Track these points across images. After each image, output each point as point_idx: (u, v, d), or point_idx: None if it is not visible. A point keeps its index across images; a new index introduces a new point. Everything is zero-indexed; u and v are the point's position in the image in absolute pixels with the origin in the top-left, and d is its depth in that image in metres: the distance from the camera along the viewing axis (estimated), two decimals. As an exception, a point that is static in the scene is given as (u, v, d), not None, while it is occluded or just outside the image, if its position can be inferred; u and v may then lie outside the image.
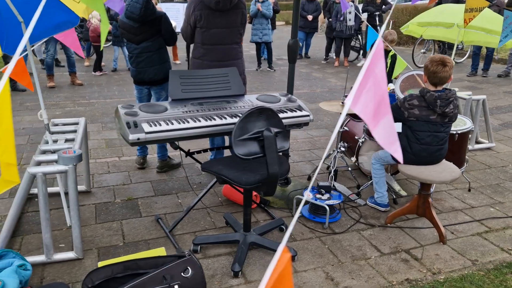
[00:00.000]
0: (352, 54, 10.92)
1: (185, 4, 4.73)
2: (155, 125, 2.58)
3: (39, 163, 2.68)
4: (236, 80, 3.16)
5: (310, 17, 10.25)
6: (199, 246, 2.82)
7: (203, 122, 2.69)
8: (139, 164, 4.14)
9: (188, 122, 2.67)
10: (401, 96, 3.82)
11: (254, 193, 3.37)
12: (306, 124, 3.02)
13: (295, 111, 3.01)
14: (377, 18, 9.87)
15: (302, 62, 10.73)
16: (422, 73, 3.83)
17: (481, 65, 9.21)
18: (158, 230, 3.10)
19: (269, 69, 9.58)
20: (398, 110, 3.03)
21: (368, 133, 3.64)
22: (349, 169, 3.86)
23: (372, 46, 5.29)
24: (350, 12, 9.46)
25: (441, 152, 3.02)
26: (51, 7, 3.01)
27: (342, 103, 3.49)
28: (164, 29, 3.71)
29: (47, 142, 2.96)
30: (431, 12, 4.66)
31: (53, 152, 2.85)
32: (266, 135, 2.42)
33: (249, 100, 3.07)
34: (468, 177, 4.07)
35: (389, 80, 5.25)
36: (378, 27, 9.88)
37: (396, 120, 3.11)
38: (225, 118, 2.77)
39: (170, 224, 3.17)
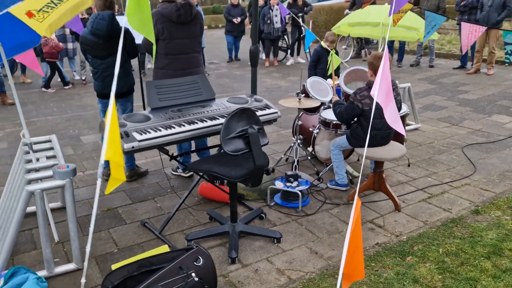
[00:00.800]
0: (280, 54, 11.51)
1: None
2: (145, 133, 2.77)
3: (29, 182, 2.74)
4: (206, 86, 3.42)
5: (237, 20, 10.66)
6: (192, 242, 3.05)
7: (188, 127, 2.93)
8: (129, 178, 4.20)
9: (174, 127, 2.89)
10: (344, 87, 4.32)
11: (227, 189, 3.65)
12: (275, 120, 3.38)
13: (264, 109, 3.35)
14: (300, 19, 10.53)
15: (234, 65, 11.11)
16: (361, 67, 4.38)
17: (395, 56, 10.25)
18: (147, 233, 3.27)
19: (204, 73, 9.83)
20: (352, 105, 3.47)
21: (323, 123, 4.07)
22: (309, 158, 4.29)
23: (309, 45, 5.80)
24: (276, 15, 10.02)
25: (390, 134, 3.53)
26: (12, 27, 3.04)
27: (299, 99, 3.89)
28: (129, 43, 3.85)
29: (29, 161, 3.00)
30: (359, 13, 5.26)
31: (38, 170, 2.91)
32: (251, 132, 2.73)
33: (221, 103, 3.35)
34: (406, 155, 4.70)
35: (329, 76, 5.79)
36: (302, 28, 10.56)
37: (353, 116, 3.54)
38: (206, 121, 3.03)
39: (157, 227, 3.35)
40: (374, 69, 3.41)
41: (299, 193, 3.51)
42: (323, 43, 6.05)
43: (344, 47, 10.83)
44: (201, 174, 3.20)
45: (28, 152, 3.15)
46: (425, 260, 2.82)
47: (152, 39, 2.32)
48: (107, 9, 3.72)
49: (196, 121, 3.02)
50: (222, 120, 3.08)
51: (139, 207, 3.68)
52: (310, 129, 4.38)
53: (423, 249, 2.93)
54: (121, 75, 3.91)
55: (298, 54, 11.19)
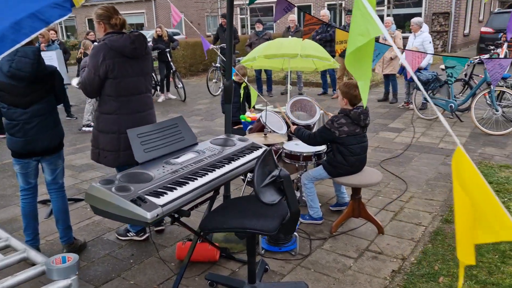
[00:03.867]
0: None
1: (57, 51, 3.89)
2: (162, 195, 2.17)
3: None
4: (186, 129, 2.92)
5: None
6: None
7: (204, 178, 2.42)
8: None
9: (188, 183, 2.35)
10: (290, 115, 4.25)
11: (207, 246, 3.16)
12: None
13: (256, 149, 3.02)
14: (168, 55, 10.20)
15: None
16: (304, 97, 4.39)
17: (264, 87, 10.75)
18: (143, 322, 2.55)
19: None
20: (328, 131, 3.43)
21: (289, 157, 3.89)
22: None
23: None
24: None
25: (366, 158, 3.59)
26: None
27: (265, 135, 3.66)
28: (58, 85, 3.05)
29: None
30: (272, 46, 5.32)
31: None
32: (283, 175, 2.41)
33: (210, 147, 2.90)
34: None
35: (244, 110, 5.67)
36: (171, 63, 10.24)
37: (326, 141, 3.50)
38: (216, 169, 2.56)
39: (151, 310, 2.65)
40: (350, 97, 3.43)
41: (297, 234, 3.25)
42: (233, 77, 5.94)
43: (214, 80, 10.89)
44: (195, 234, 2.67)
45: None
46: (458, 276, 2.88)
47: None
48: (112, 31, 3.04)
49: (200, 171, 2.53)
50: (234, 164, 2.65)
51: (109, 290, 2.88)
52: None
53: (444, 267, 3.00)
54: (50, 125, 3.08)
55: (168, 90, 10.77)
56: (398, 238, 3.50)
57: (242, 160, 2.76)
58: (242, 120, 5.04)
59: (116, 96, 3.08)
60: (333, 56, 7.02)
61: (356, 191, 3.58)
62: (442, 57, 3.74)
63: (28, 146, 3.00)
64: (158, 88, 10.68)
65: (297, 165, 3.96)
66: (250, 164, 2.79)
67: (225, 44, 10.32)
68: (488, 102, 7.17)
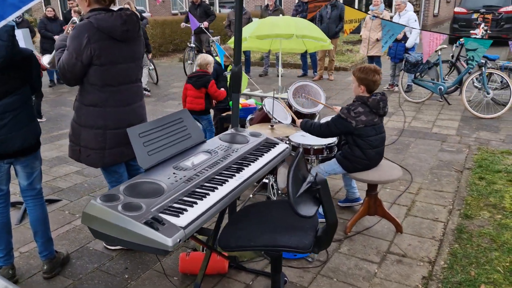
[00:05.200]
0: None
1: (23, 30, 3.26)
2: (181, 213, 1.74)
3: None
4: (192, 125, 2.47)
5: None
6: None
7: (226, 186, 2.00)
8: (49, 273, 2.76)
9: (209, 193, 1.92)
10: (294, 103, 3.86)
11: (215, 257, 2.76)
12: (286, 155, 2.67)
13: (272, 145, 2.61)
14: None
15: (62, 89, 9.26)
16: (308, 82, 4.00)
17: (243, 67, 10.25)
18: None
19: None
20: (344, 121, 3.07)
21: (294, 149, 3.51)
22: (283, 194, 3.67)
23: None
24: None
25: (383, 151, 3.26)
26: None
27: (271, 126, 3.25)
28: (35, 73, 2.51)
29: None
30: (265, 25, 4.86)
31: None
32: (320, 180, 2.03)
33: (222, 146, 2.47)
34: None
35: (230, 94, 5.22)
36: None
37: (341, 133, 3.15)
38: (235, 174, 2.14)
39: None
40: (367, 83, 3.07)
41: (315, 239, 2.90)
42: (217, 58, 5.46)
43: (189, 61, 10.27)
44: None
45: None
46: (500, 283, 2.63)
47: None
48: (98, 7, 2.53)
49: (226, 176, 2.11)
50: (254, 167, 2.24)
51: (104, 316, 2.44)
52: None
53: (481, 273, 2.73)
54: (24, 121, 2.55)
55: (139, 72, 10.08)
56: (419, 237, 3.23)
57: (262, 161, 2.36)
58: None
59: (101, 86, 2.57)
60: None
61: (372, 187, 3.26)
62: (463, 39, 3.43)
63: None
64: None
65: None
66: (271, 165, 2.39)
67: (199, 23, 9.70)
68: (476, 84, 7.03)
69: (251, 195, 3.77)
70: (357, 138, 3.11)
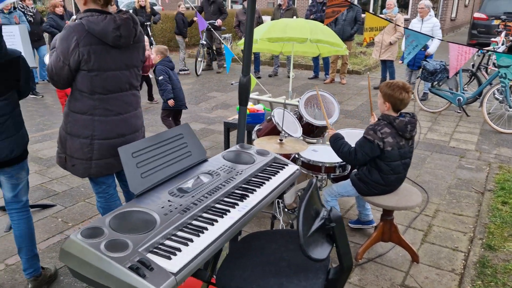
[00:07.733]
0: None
1: (20, 26, 3.02)
2: (173, 254, 1.50)
3: None
4: (193, 141, 2.22)
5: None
6: None
7: (227, 218, 1.75)
8: None
9: (207, 228, 1.67)
10: (305, 114, 3.59)
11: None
12: (296, 178, 2.41)
13: (281, 167, 2.35)
14: (148, 29, 9.27)
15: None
16: (322, 93, 3.73)
17: (252, 68, 9.99)
18: None
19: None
20: (371, 145, 2.76)
21: (307, 167, 3.24)
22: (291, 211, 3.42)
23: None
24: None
25: (405, 177, 2.98)
26: None
27: (280, 140, 2.99)
28: (24, 78, 2.28)
29: None
30: (277, 28, 4.58)
31: None
32: (335, 216, 1.76)
33: (224, 166, 2.21)
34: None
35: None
36: (151, 38, 9.33)
37: (369, 157, 2.83)
38: (239, 203, 1.88)
39: None
40: (394, 102, 2.78)
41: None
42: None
43: (200, 59, 10.02)
44: None
45: None
46: None
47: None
48: (93, 8, 2.31)
49: (228, 204, 1.86)
50: (261, 193, 1.99)
51: None
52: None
53: (507, 318, 2.47)
54: (11, 129, 2.32)
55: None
56: (437, 269, 2.96)
57: (268, 187, 2.10)
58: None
59: (90, 93, 2.34)
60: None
61: (388, 212, 2.99)
62: (494, 54, 3.14)
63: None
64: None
65: (312, 175, 3.31)
66: (279, 191, 2.14)
67: (213, 21, 9.44)
68: (497, 96, 6.71)
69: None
70: (380, 161, 2.82)
